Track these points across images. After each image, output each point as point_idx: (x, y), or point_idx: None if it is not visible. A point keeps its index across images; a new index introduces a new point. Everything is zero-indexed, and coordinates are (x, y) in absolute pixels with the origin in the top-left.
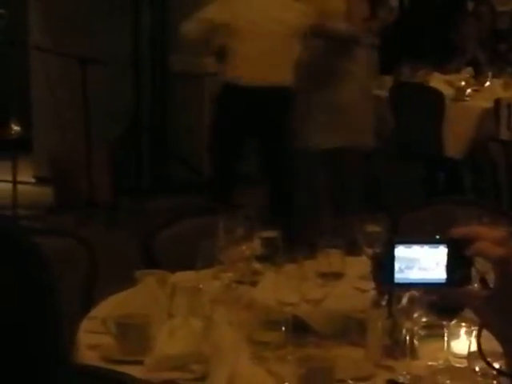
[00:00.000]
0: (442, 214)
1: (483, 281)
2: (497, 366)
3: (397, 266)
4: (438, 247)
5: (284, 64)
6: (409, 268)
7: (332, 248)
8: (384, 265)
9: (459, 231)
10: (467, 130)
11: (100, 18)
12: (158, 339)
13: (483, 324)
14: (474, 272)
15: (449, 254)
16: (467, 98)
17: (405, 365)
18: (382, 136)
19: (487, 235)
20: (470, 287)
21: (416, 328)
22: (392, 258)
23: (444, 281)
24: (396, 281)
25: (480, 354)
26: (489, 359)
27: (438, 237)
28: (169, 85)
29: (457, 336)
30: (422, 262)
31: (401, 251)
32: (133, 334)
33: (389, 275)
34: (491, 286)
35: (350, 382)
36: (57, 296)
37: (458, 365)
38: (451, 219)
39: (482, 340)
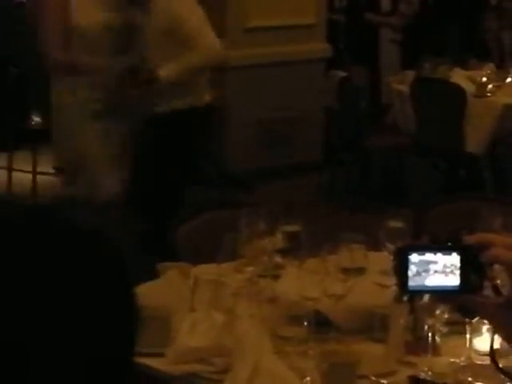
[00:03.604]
0: (466, 211)
1: (495, 287)
2: None
3: (410, 272)
4: (451, 254)
5: None
6: (422, 275)
7: (354, 243)
8: (398, 272)
9: (472, 238)
10: (488, 126)
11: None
12: (180, 332)
13: (496, 330)
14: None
15: (462, 261)
16: (488, 94)
17: (427, 361)
18: (403, 131)
19: (500, 241)
20: (484, 294)
21: (438, 325)
22: (406, 265)
23: (457, 288)
24: (410, 288)
25: (492, 360)
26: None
27: (450, 244)
28: None
29: (479, 333)
30: (436, 269)
31: (414, 258)
32: (154, 327)
33: (403, 282)
34: (503, 292)
35: (372, 377)
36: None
37: (479, 362)
38: (475, 216)
39: None
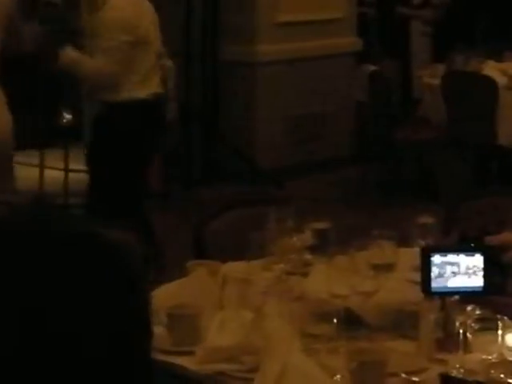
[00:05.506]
0: (498, 205)
1: None
2: None
3: (433, 274)
4: (474, 255)
5: None
6: (445, 276)
7: (384, 239)
8: (421, 273)
9: (494, 239)
10: None
11: None
12: (209, 330)
13: None
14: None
15: (485, 262)
16: None
17: (458, 358)
18: (434, 125)
19: None
20: (508, 294)
21: (469, 321)
22: (428, 266)
23: (481, 289)
24: (433, 289)
25: None
26: None
27: (473, 245)
28: (220, 74)
29: (511, 329)
30: (459, 270)
31: (437, 259)
32: (184, 325)
33: (426, 283)
34: None
35: (403, 375)
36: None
37: (511, 358)
38: (506, 211)
39: None
